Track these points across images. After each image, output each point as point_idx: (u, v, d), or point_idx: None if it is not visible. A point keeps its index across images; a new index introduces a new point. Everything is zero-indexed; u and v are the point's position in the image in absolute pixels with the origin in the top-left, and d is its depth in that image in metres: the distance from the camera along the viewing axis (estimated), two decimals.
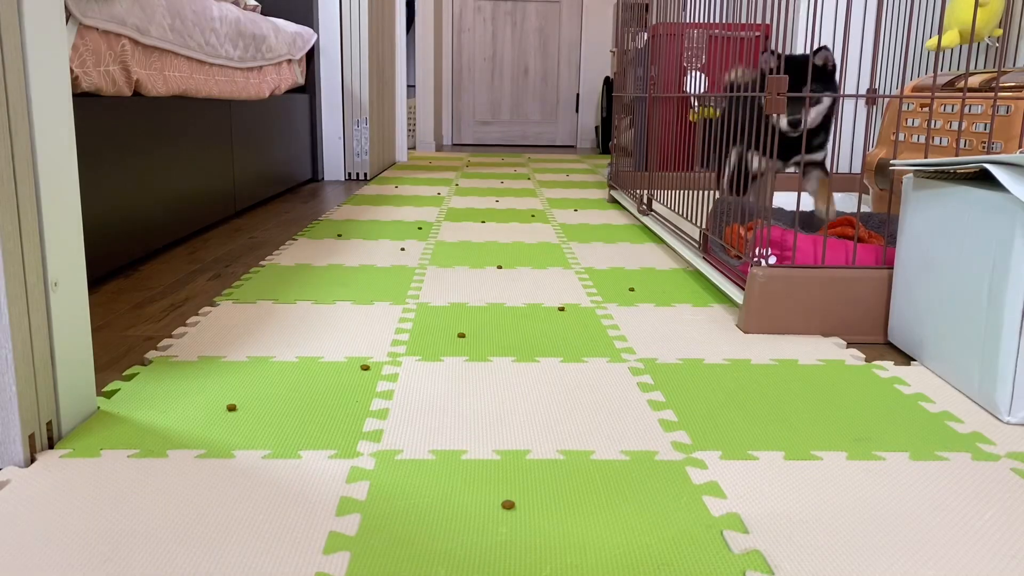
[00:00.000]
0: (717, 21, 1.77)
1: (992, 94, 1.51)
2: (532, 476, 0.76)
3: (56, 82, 0.79)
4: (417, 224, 2.19)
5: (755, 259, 1.26)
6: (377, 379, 1.01)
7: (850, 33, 2.54)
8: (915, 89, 1.81)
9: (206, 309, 1.30)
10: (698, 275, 1.62)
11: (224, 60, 2.07)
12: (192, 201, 1.92)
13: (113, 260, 1.52)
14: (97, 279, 1.51)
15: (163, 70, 1.70)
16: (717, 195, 1.78)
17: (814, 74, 1.44)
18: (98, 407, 0.90)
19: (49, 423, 0.80)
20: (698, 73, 2.65)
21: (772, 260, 1.26)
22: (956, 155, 1.27)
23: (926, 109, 1.72)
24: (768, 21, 1.35)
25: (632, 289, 1.49)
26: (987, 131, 1.51)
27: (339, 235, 2.00)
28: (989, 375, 0.94)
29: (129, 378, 0.99)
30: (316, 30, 3.12)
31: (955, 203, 1.03)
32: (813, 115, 1.51)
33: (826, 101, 1.50)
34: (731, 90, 1.61)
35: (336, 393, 0.96)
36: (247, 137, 2.33)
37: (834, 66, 1.48)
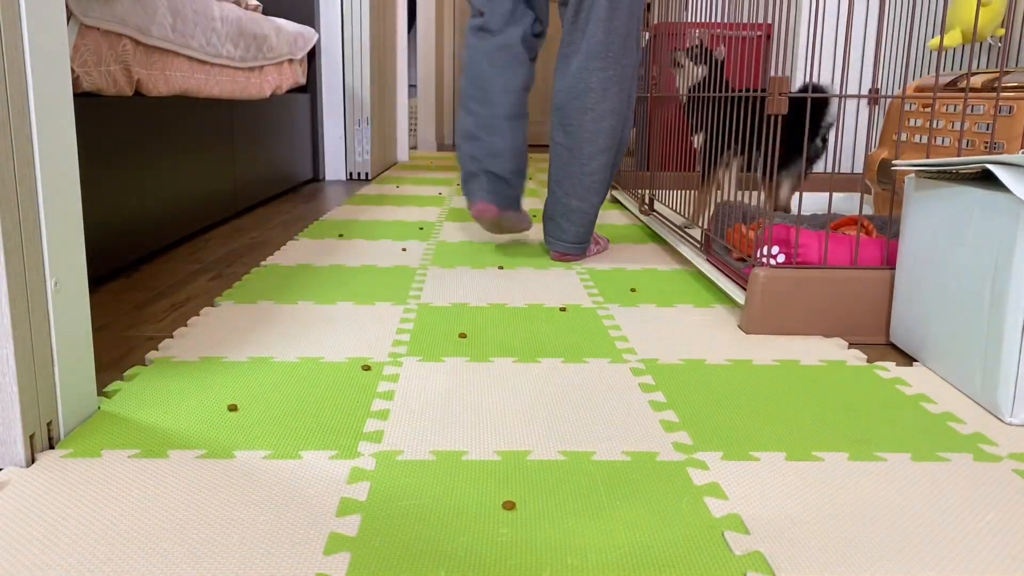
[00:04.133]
0: (719, 21, 1.77)
1: (994, 94, 1.50)
2: (533, 477, 0.76)
3: (57, 82, 0.79)
4: (419, 224, 2.19)
5: (761, 258, 1.26)
6: (378, 379, 1.01)
7: (852, 33, 2.54)
8: (917, 89, 1.81)
9: (207, 309, 1.30)
10: (700, 275, 1.62)
11: (225, 60, 2.07)
12: (193, 201, 1.92)
13: (114, 260, 1.52)
14: (98, 279, 1.51)
15: (164, 70, 1.70)
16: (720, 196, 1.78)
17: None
18: (99, 407, 0.90)
19: (50, 423, 0.80)
20: None
21: (781, 259, 1.26)
22: (958, 155, 1.27)
23: (928, 109, 1.72)
24: (769, 21, 1.35)
25: (633, 290, 1.49)
26: (989, 131, 1.50)
27: (340, 235, 2.00)
28: (991, 376, 0.94)
29: (130, 378, 0.99)
30: (317, 30, 3.12)
31: (957, 203, 1.02)
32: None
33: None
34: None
35: (337, 393, 0.96)
36: (248, 137, 2.33)
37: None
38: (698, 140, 1.91)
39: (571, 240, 1.71)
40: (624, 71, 1.64)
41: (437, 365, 1.06)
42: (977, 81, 1.59)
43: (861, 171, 2.70)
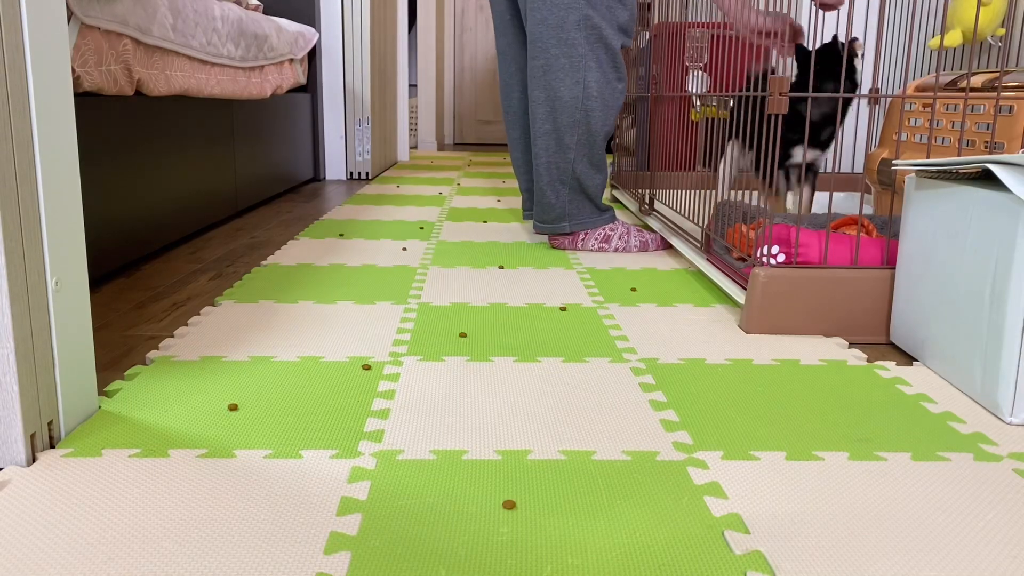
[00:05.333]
0: (720, 20, 1.77)
1: (995, 94, 1.50)
2: (533, 476, 0.76)
3: (58, 81, 0.79)
4: (419, 224, 2.19)
5: (761, 257, 1.26)
6: (378, 379, 1.01)
7: (852, 32, 2.54)
8: (917, 89, 1.81)
9: (207, 309, 1.30)
10: (700, 275, 1.62)
11: (226, 60, 2.07)
12: (194, 200, 1.92)
13: (115, 259, 1.52)
14: (98, 278, 1.51)
15: (165, 70, 1.70)
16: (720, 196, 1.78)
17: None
18: (99, 406, 0.90)
19: (50, 422, 0.80)
20: (700, 72, 2.65)
21: (781, 259, 1.26)
22: (958, 155, 1.27)
23: (928, 109, 1.72)
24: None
25: (634, 289, 1.49)
26: (989, 131, 1.50)
27: (341, 235, 2.00)
28: (991, 375, 0.94)
29: (130, 378, 1.00)
30: (318, 29, 3.12)
31: (957, 203, 1.03)
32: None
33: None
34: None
35: (337, 393, 0.96)
36: (249, 137, 2.33)
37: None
38: (798, 154, 1.72)
39: (537, 219, 1.91)
40: (558, 59, 1.74)
41: (437, 365, 1.06)
42: (977, 81, 1.59)
43: (861, 170, 2.70)
